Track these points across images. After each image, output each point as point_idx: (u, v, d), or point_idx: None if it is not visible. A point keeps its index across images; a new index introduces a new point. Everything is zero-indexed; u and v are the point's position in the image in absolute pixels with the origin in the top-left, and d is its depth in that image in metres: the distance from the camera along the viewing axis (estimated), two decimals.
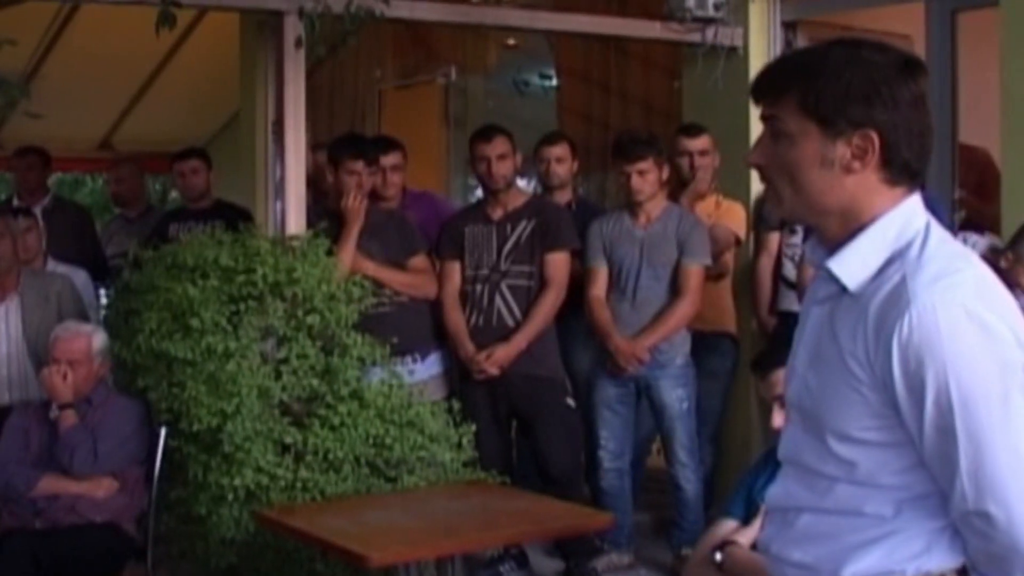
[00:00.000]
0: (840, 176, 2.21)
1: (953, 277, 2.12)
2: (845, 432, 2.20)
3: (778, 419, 3.66)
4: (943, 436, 2.10)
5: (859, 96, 2.18)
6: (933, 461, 2.14)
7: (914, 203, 2.25)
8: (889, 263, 2.19)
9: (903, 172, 2.22)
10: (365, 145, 6.63)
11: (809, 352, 2.30)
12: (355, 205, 6.19)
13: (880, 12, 7.28)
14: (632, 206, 6.41)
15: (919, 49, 7.06)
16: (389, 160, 6.74)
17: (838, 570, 2.23)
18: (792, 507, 2.34)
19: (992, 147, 6.26)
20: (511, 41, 9.95)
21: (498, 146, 6.40)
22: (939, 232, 2.23)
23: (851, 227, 2.24)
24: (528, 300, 6.28)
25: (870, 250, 2.21)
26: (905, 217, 2.22)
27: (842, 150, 2.20)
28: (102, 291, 8.43)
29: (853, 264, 2.21)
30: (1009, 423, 2.09)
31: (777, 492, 2.40)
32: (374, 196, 6.66)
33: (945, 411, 2.09)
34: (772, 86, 2.28)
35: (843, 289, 2.22)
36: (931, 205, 6.30)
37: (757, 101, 2.31)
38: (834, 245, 2.26)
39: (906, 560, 2.20)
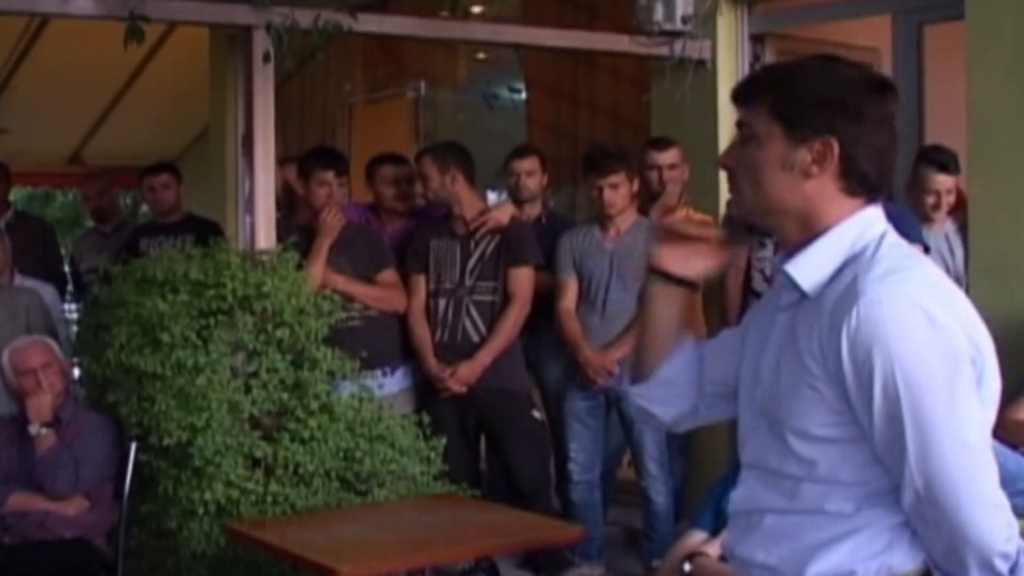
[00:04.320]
0: (799, 179, 2.29)
1: (901, 273, 2.19)
2: (805, 430, 2.25)
3: None
4: (891, 425, 2.15)
5: (825, 104, 2.27)
6: (884, 452, 2.19)
7: (872, 214, 2.32)
8: (844, 266, 2.26)
9: (861, 184, 2.30)
10: (335, 156, 6.63)
11: (775, 357, 2.34)
12: (332, 220, 6.20)
13: (848, 25, 7.32)
14: (602, 219, 6.42)
15: (886, 61, 7.11)
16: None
17: (802, 570, 2.27)
18: (755, 509, 2.37)
19: (959, 156, 6.29)
20: (480, 55, 9.97)
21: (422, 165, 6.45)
22: (893, 238, 2.30)
23: (808, 232, 2.31)
24: (493, 316, 6.27)
25: (826, 255, 2.28)
26: (862, 226, 2.29)
27: (803, 155, 2.28)
28: (72, 306, 8.41)
29: (809, 268, 2.29)
30: (954, 411, 2.14)
31: (740, 495, 2.44)
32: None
33: (892, 399, 2.14)
34: (749, 91, 2.38)
35: (803, 295, 2.29)
36: (899, 216, 6.32)
37: (736, 105, 2.40)
38: (791, 250, 2.34)
39: (869, 558, 2.23)
